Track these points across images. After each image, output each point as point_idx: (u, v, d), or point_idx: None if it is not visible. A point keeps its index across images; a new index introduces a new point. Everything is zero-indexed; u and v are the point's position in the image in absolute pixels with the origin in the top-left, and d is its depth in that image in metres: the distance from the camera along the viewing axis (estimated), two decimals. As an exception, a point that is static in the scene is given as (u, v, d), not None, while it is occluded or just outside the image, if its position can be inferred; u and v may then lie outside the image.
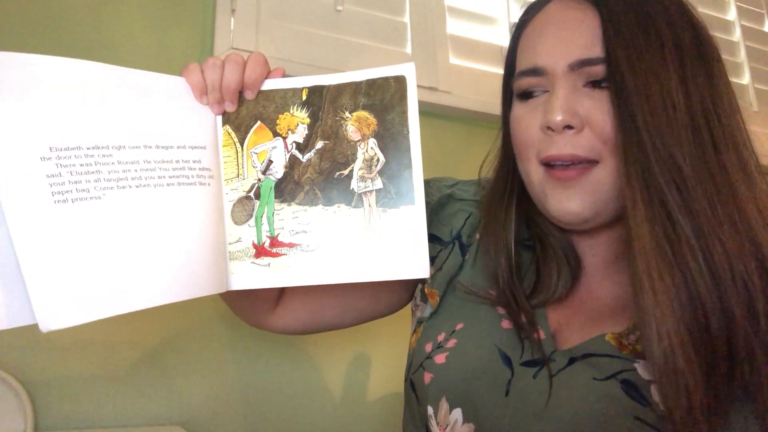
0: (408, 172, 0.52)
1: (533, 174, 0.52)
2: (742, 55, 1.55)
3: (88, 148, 0.45)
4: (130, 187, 0.47)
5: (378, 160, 0.54)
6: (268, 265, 0.54)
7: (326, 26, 1.05)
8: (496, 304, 0.55)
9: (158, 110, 0.51)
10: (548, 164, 0.50)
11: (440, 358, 0.54)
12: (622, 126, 0.45)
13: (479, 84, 1.22)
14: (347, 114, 0.54)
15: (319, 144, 0.55)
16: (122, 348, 0.87)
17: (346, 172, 0.54)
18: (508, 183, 0.58)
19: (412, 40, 1.15)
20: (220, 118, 0.56)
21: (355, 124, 0.55)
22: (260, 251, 0.54)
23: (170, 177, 0.49)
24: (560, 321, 0.54)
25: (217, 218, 0.54)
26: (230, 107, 0.55)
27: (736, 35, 1.58)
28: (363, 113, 0.54)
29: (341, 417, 1.01)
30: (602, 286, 0.54)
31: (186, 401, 0.88)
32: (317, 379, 1.00)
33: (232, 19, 0.99)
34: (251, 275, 0.54)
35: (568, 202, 0.48)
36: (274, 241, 0.54)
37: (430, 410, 0.54)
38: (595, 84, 0.48)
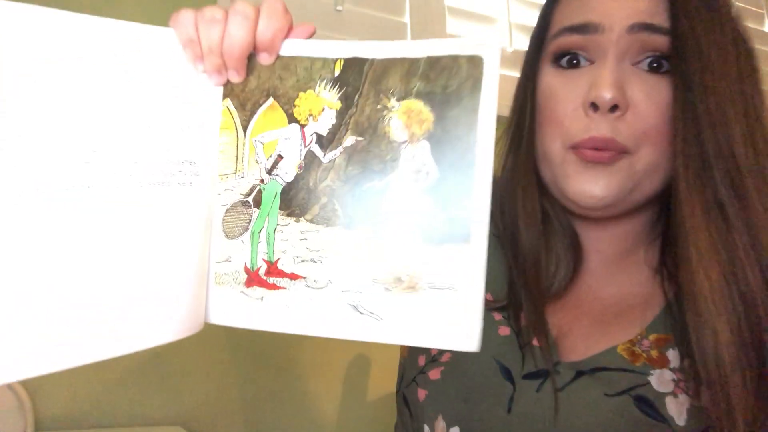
0: (468, 196, 0.37)
1: (555, 152, 0.47)
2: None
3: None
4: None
5: (428, 173, 0.38)
6: (261, 299, 0.40)
7: (326, 26, 1.05)
8: (492, 309, 0.52)
9: (128, 74, 0.37)
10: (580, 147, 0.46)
11: (435, 374, 0.50)
12: (683, 115, 0.43)
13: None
14: (394, 102, 0.39)
15: (349, 140, 0.40)
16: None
17: (380, 184, 0.39)
18: (527, 163, 0.52)
19: (412, 40, 1.10)
20: (220, 90, 0.41)
21: (403, 117, 0.39)
22: (253, 278, 0.40)
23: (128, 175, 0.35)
24: (562, 326, 0.51)
25: (200, 230, 0.40)
26: (235, 77, 0.41)
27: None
28: (416, 103, 0.39)
29: (341, 417, 1.01)
30: (605, 286, 0.51)
31: (186, 401, 0.88)
32: (317, 379, 0.99)
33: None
34: (238, 309, 0.40)
35: (591, 184, 0.45)
36: (273, 268, 0.40)
37: (426, 429, 0.50)
38: (648, 66, 0.44)
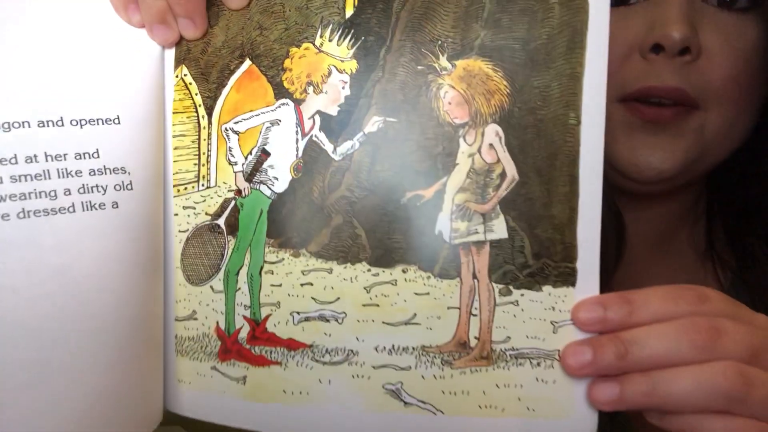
0: (569, 210, 0.24)
1: None
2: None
3: None
4: None
5: (501, 175, 0.24)
6: (243, 379, 0.25)
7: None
8: None
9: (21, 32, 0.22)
10: (633, 100, 0.39)
11: None
12: None
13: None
14: (444, 61, 0.25)
15: (375, 123, 0.25)
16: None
17: (427, 193, 0.25)
18: None
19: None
20: (170, 53, 0.27)
21: (460, 86, 0.25)
22: (230, 347, 0.26)
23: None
24: None
25: (141, 274, 0.25)
26: (190, 29, 0.27)
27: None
28: (481, 64, 0.25)
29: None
30: (650, 274, 0.44)
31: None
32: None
33: None
34: (210, 394, 0.26)
35: (650, 151, 0.38)
36: (260, 331, 0.25)
37: None
38: (717, 2, 0.38)
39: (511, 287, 0.24)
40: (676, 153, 0.38)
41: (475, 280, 0.24)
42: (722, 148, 0.40)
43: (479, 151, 0.25)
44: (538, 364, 0.24)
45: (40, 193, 0.22)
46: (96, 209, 0.23)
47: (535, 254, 0.24)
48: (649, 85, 0.37)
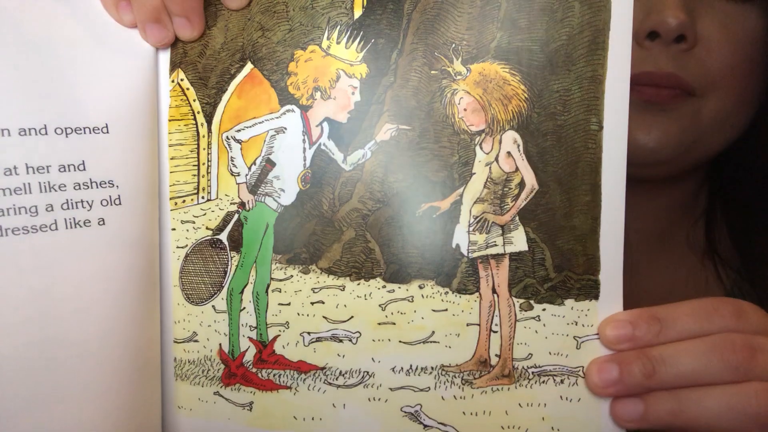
0: (592, 220, 0.23)
1: None
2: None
3: None
4: None
5: (521, 183, 0.23)
6: (249, 406, 0.24)
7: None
8: None
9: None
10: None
11: None
12: None
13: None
14: (459, 65, 0.24)
15: (387, 131, 0.24)
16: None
17: (444, 205, 0.24)
18: None
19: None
20: (165, 56, 0.25)
21: (476, 91, 0.24)
22: (235, 371, 0.24)
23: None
24: None
25: (134, 294, 0.23)
26: (187, 29, 0.25)
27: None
28: (497, 68, 0.24)
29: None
30: (649, 273, 0.43)
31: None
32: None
33: None
34: (214, 421, 0.24)
35: (645, 131, 0.37)
36: (267, 353, 0.24)
37: None
38: None
39: (532, 302, 0.23)
40: (669, 134, 0.38)
41: (495, 295, 0.23)
42: (720, 136, 0.39)
43: (497, 159, 0.24)
44: (562, 382, 0.23)
45: (19, 208, 0.20)
46: (80, 226, 0.21)
47: (556, 267, 0.23)
48: (645, 70, 0.36)
